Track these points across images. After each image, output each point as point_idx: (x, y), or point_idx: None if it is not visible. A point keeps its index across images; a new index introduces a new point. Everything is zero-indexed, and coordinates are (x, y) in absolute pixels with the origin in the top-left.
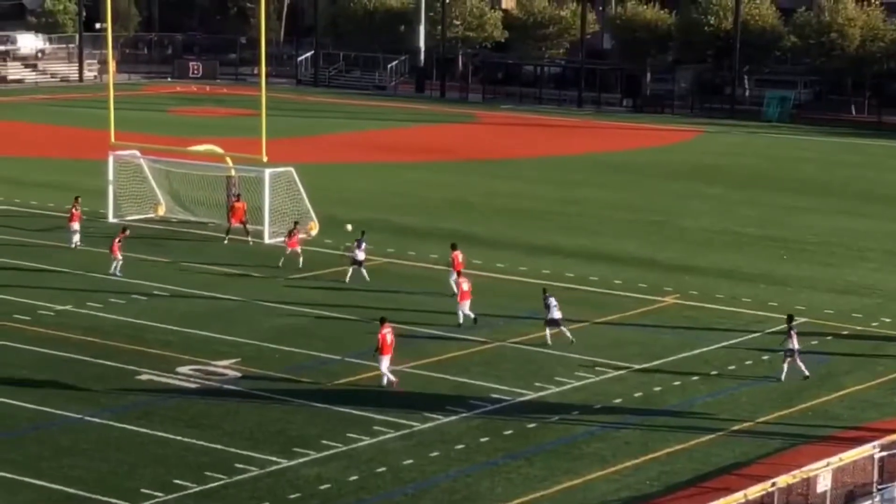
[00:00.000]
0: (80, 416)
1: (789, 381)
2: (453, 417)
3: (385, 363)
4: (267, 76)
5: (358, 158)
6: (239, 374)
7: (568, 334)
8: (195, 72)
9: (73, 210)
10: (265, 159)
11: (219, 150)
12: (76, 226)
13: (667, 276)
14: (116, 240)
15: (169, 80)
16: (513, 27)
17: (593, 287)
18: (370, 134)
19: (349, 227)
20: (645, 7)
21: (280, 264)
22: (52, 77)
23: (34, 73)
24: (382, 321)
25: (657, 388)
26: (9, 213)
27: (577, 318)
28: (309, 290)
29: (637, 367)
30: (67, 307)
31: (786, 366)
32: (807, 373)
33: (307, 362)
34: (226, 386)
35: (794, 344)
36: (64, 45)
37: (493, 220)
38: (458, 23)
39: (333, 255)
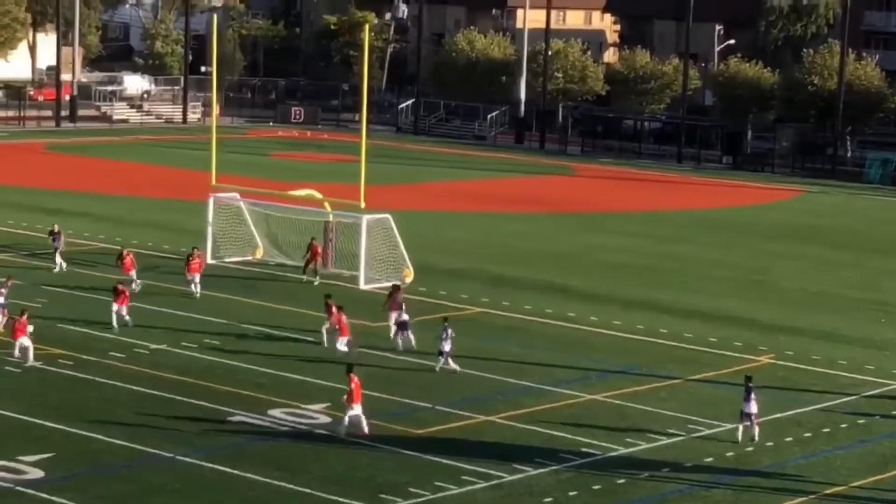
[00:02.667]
0: (171, 455)
1: (885, 445)
2: (542, 470)
3: (358, 410)
4: (368, 123)
5: (455, 207)
6: (329, 419)
7: (453, 365)
8: (297, 117)
9: (196, 259)
10: (363, 205)
11: (318, 195)
12: (196, 276)
13: (763, 336)
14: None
15: (271, 124)
16: (615, 81)
17: (688, 344)
18: (468, 183)
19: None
20: (748, 65)
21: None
22: (156, 118)
23: (139, 114)
24: (350, 369)
25: (749, 449)
26: (110, 252)
27: (670, 375)
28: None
29: (730, 426)
30: (162, 346)
31: (756, 428)
32: (756, 437)
33: (398, 409)
34: (316, 430)
35: (751, 408)
36: (169, 88)
37: (589, 273)
38: (559, 75)
39: (429, 302)
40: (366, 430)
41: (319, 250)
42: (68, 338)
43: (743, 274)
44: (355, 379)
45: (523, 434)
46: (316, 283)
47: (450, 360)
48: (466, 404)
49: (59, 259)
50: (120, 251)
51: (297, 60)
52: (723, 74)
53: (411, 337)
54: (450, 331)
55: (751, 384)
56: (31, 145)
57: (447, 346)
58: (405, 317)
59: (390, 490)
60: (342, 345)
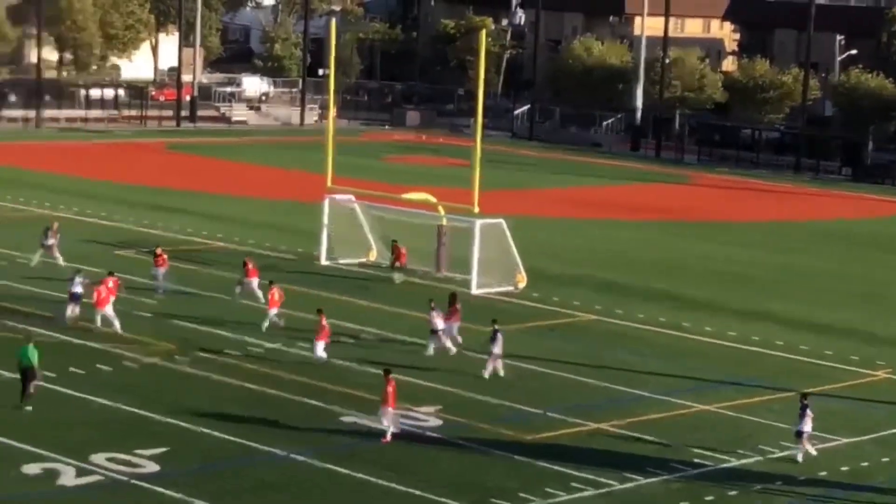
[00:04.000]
0: (284, 452)
1: None
2: (653, 479)
3: (390, 414)
4: (483, 128)
5: (570, 214)
6: (440, 422)
7: (500, 368)
8: (413, 120)
9: (250, 266)
10: (476, 210)
11: (432, 198)
12: (254, 282)
13: (881, 350)
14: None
15: (387, 127)
16: (733, 89)
17: (803, 356)
18: (583, 190)
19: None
20: (869, 75)
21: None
22: (274, 120)
23: (257, 116)
24: (387, 372)
25: (864, 464)
26: (227, 251)
27: (784, 387)
28: (513, 343)
29: (845, 440)
30: (277, 345)
31: (809, 446)
32: (799, 459)
33: (508, 414)
34: (427, 433)
35: (805, 426)
36: (287, 90)
37: (704, 282)
38: (676, 83)
39: (541, 308)
40: (388, 437)
41: (403, 251)
42: (184, 335)
43: (862, 287)
44: (393, 382)
45: (634, 443)
46: (397, 282)
47: (499, 364)
48: (577, 411)
49: (56, 253)
50: (153, 249)
51: (413, 64)
52: (843, 85)
53: (442, 345)
54: (500, 335)
55: (805, 402)
56: (152, 144)
57: (497, 350)
58: (442, 325)
59: (500, 495)
60: (320, 350)
